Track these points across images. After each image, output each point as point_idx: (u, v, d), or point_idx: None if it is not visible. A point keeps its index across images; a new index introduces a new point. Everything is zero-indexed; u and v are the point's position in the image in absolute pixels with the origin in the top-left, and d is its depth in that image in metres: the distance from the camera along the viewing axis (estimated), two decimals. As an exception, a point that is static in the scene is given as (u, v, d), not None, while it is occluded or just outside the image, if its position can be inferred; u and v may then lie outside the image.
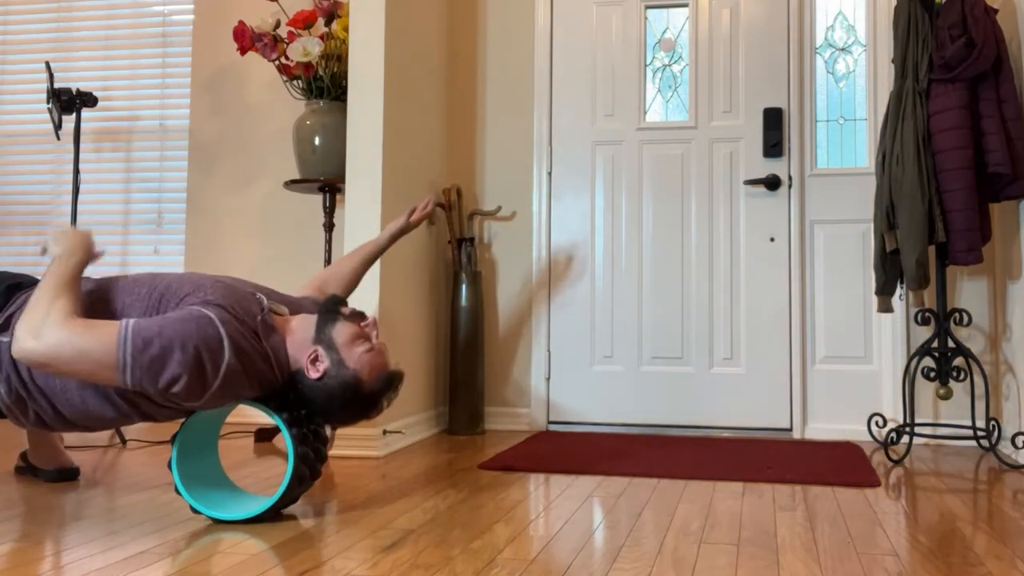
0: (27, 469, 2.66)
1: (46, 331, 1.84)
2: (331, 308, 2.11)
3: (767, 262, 3.72)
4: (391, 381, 2.10)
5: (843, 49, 3.76)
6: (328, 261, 3.69)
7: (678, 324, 3.78)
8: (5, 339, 2.01)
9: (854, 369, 3.64)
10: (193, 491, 2.09)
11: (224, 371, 1.92)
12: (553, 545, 1.90)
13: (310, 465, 2.11)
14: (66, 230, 2.07)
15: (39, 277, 2.48)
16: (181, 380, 1.88)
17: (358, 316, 2.11)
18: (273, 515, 2.11)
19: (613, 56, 3.91)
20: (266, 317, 2.08)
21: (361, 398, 2.07)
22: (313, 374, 2.05)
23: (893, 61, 3.22)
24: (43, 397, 2.02)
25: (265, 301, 2.14)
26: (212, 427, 2.24)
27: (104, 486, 2.52)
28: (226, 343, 1.92)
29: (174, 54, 4.33)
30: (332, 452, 3.09)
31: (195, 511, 2.07)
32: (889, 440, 3.11)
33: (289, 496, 2.09)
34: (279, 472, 2.76)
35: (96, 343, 1.85)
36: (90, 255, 2.07)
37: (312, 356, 2.06)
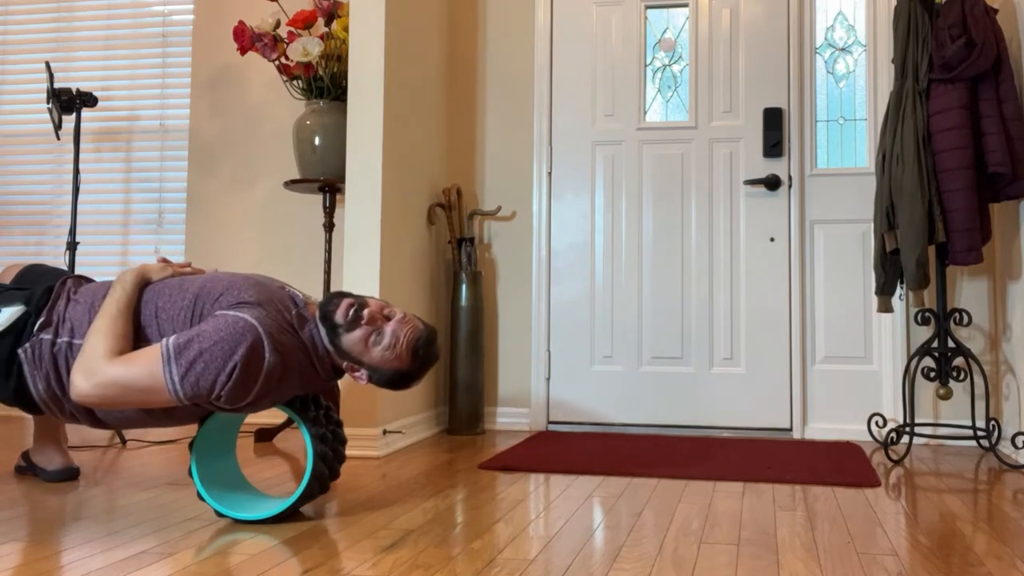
0: (28, 468, 2.66)
1: (94, 373, 1.89)
2: (329, 325, 2.07)
3: (767, 262, 3.72)
4: (426, 355, 2.11)
5: (843, 49, 3.76)
6: (328, 261, 3.69)
7: (678, 324, 3.78)
8: (47, 336, 2.03)
9: (854, 369, 3.64)
10: (212, 492, 2.09)
11: (267, 370, 1.93)
12: (553, 545, 1.90)
13: (329, 464, 2.11)
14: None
15: (70, 272, 2.50)
16: (228, 387, 1.90)
17: (357, 317, 2.06)
18: (291, 514, 2.10)
19: (613, 56, 3.91)
20: (302, 310, 2.10)
21: (410, 375, 2.13)
22: (361, 381, 2.12)
23: (893, 61, 3.22)
24: None
25: (299, 294, 2.15)
26: (230, 429, 2.23)
27: (104, 486, 2.52)
28: (266, 343, 1.93)
29: (174, 54, 4.33)
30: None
31: (219, 514, 2.08)
32: (889, 440, 3.11)
33: (308, 495, 2.09)
34: (280, 472, 2.76)
35: (142, 373, 1.89)
36: (141, 274, 2.09)
37: (349, 369, 2.11)
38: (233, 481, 2.20)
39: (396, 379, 2.12)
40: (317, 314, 2.09)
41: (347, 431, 3.10)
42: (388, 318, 2.09)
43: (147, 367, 1.90)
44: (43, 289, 2.14)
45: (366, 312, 2.06)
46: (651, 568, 1.72)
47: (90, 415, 2.07)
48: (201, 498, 2.07)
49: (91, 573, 1.65)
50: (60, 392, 2.04)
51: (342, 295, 2.11)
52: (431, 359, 2.13)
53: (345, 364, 2.10)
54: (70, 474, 2.59)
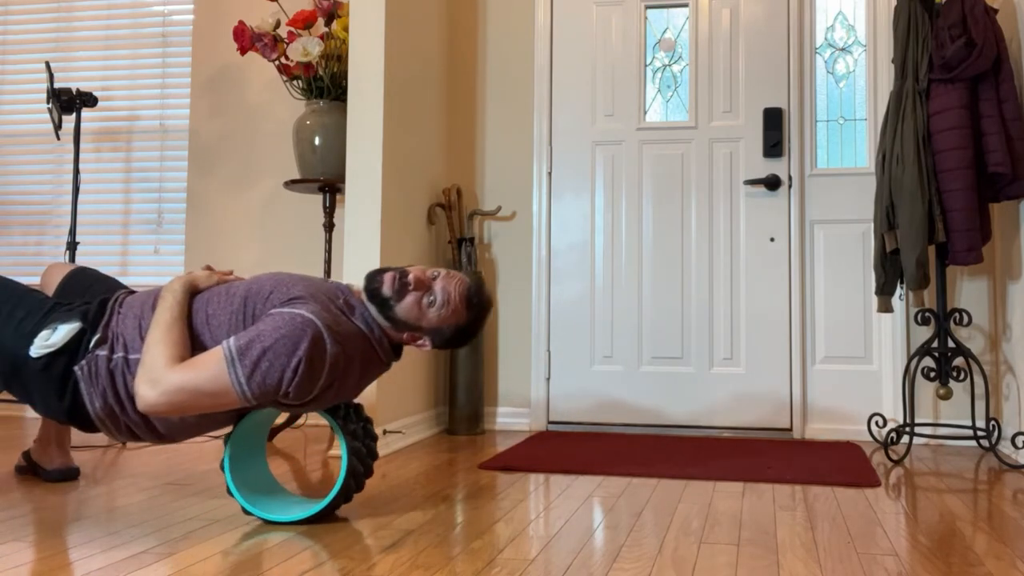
0: (28, 468, 2.66)
1: (159, 381, 1.89)
2: (379, 301, 2.08)
3: (767, 262, 3.72)
4: (480, 302, 2.13)
5: (843, 49, 3.76)
6: (328, 261, 3.69)
7: (678, 324, 3.78)
8: (103, 353, 2.01)
9: (854, 369, 3.64)
10: (243, 493, 2.08)
11: (330, 362, 1.94)
12: (553, 545, 1.90)
13: (362, 461, 2.12)
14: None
15: (118, 280, 2.49)
16: (295, 383, 1.90)
17: (403, 285, 2.07)
18: (327, 515, 2.09)
19: (613, 56, 3.91)
20: (348, 298, 2.11)
21: (471, 326, 2.15)
22: (426, 347, 2.14)
23: (893, 61, 3.22)
24: (136, 412, 2.02)
25: (342, 283, 2.16)
26: (260, 431, 2.23)
27: (104, 486, 2.52)
28: (326, 335, 1.94)
29: (174, 54, 4.32)
30: (332, 452, 3.09)
31: (247, 512, 2.08)
32: (889, 440, 3.11)
33: (345, 494, 2.08)
34: (282, 472, 2.76)
35: (207, 377, 1.89)
36: (189, 282, 2.08)
37: (410, 339, 2.12)
38: (263, 482, 2.20)
39: (458, 335, 2.13)
40: (364, 296, 2.11)
41: (347, 431, 3.10)
42: (434, 278, 2.10)
43: (212, 371, 1.89)
44: (97, 304, 2.12)
45: (411, 278, 2.07)
46: (651, 568, 1.72)
47: (150, 428, 2.05)
48: (231, 494, 2.07)
49: (91, 573, 1.65)
50: (118, 408, 2.02)
51: (382, 270, 2.12)
52: (486, 305, 2.15)
53: (405, 336, 2.11)
54: (70, 474, 2.59)
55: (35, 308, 2.07)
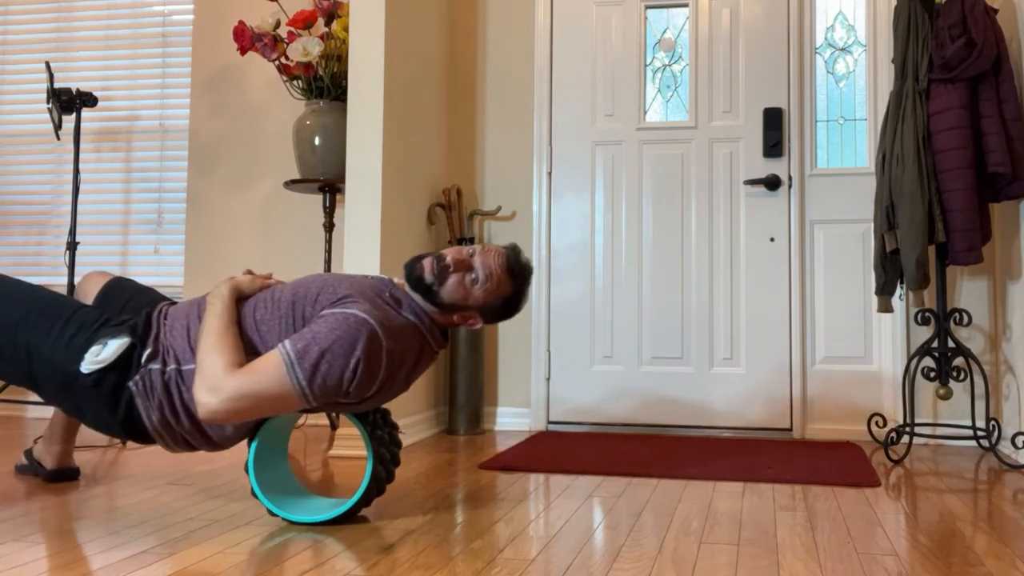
0: (28, 468, 2.66)
1: (220, 388, 1.88)
2: (424, 289, 2.08)
3: (767, 262, 3.72)
4: (521, 270, 2.14)
5: (843, 49, 3.76)
6: (328, 261, 3.69)
7: (678, 324, 3.78)
8: (156, 367, 2.01)
9: (854, 369, 3.64)
10: (267, 493, 2.08)
11: (387, 358, 1.95)
12: (553, 545, 1.90)
13: (386, 467, 2.13)
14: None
15: (156, 291, 2.48)
16: (355, 381, 1.91)
17: (443, 268, 2.08)
18: (350, 517, 2.09)
19: (613, 56, 3.91)
20: (393, 292, 2.11)
21: (517, 295, 2.16)
22: (478, 325, 2.15)
23: (893, 61, 3.22)
24: (191, 422, 2.02)
25: (384, 278, 2.17)
26: (283, 432, 2.23)
27: (104, 486, 2.52)
28: (380, 332, 1.94)
29: (174, 54, 4.33)
30: (332, 452, 3.09)
31: (272, 514, 2.08)
32: (889, 440, 3.11)
33: (367, 498, 2.09)
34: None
35: (268, 382, 1.89)
36: (235, 287, 2.08)
37: (461, 319, 2.13)
38: (286, 482, 2.20)
39: (506, 306, 2.14)
40: (407, 287, 2.12)
41: (346, 431, 3.10)
42: (471, 255, 2.11)
43: (272, 375, 1.89)
44: (144, 318, 2.11)
45: (450, 259, 2.08)
46: (651, 568, 1.72)
47: (204, 437, 2.05)
48: (255, 495, 2.07)
49: (91, 573, 1.65)
50: (174, 420, 2.01)
51: (419, 257, 2.12)
52: (527, 271, 2.16)
53: (456, 317, 2.12)
54: (70, 474, 2.59)
55: (85, 324, 2.06)
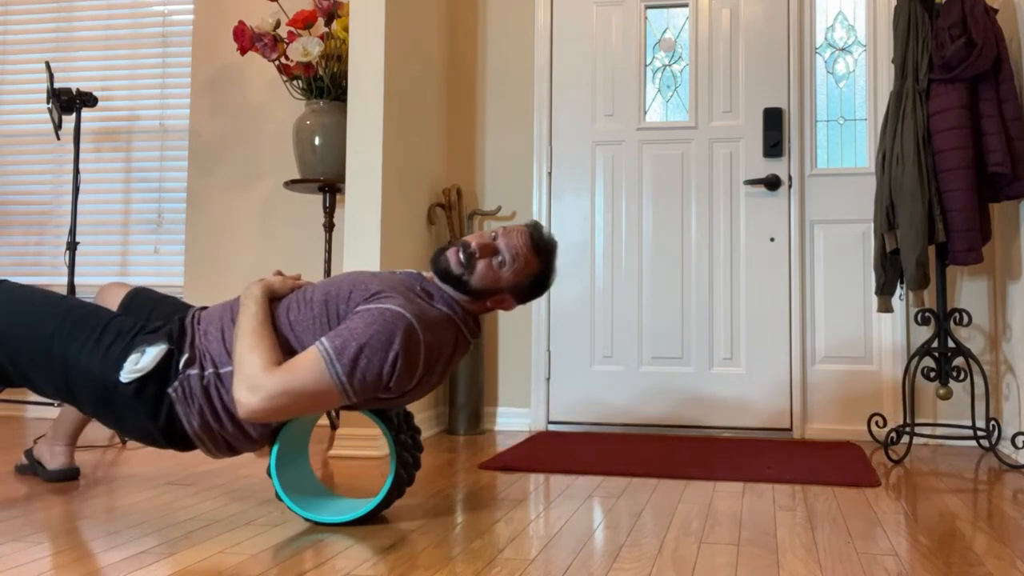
0: (28, 468, 2.66)
1: (260, 387, 1.88)
2: (453, 280, 2.08)
3: (767, 262, 3.72)
4: (546, 246, 2.14)
5: (843, 49, 3.76)
6: (328, 261, 3.69)
7: (678, 324, 3.78)
8: (194, 372, 2.01)
9: (854, 369, 3.64)
10: (289, 495, 2.08)
11: (424, 351, 1.96)
12: (553, 545, 1.90)
13: (407, 470, 2.13)
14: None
15: (179, 299, 2.46)
16: (394, 376, 1.92)
17: (469, 256, 2.07)
18: (372, 518, 2.10)
19: (613, 56, 3.91)
20: (424, 285, 2.11)
21: (546, 272, 2.16)
22: (512, 307, 2.17)
23: (893, 61, 3.22)
24: (234, 424, 2.02)
25: (413, 272, 2.17)
26: (303, 434, 2.23)
27: (104, 486, 2.52)
28: (417, 326, 1.94)
29: (174, 54, 4.32)
30: (332, 452, 3.09)
31: (298, 515, 2.08)
32: (889, 440, 3.11)
33: (389, 500, 2.09)
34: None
35: (308, 379, 1.88)
36: (267, 287, 2.08)
37: (494, 304, 2.14)
38: (307, 482, 2.20)
39: (537, 283, 2.15)
40: (436, 280, 2.12)
41: (346, 431, 3.10)
42: (494, 239, 2.11)
43: (312, 372, 1.89)
44: (178, 324, 2.11)
45: (475, 246, 2.08)
46: (651, 568, 1.72)
47: (246, 437, 2.05)
48: (278, 497, 2.07)
49: (91, 573, 1.65)
50: (216, 424, 2.01)
51: (443, 249, 2.13)
52: (552, 246, 2.16)
53: (489, 303, 2.12)
54: (70, 474, 2.59)
55: (122, 333, 2.06)
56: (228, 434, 2.03)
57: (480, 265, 2.07)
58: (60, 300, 2.12)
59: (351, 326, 1.92)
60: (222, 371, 2.01)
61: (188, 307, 2.33)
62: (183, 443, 2.06)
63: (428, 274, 2.18)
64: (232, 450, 2.08)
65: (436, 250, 2.16)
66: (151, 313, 2.31)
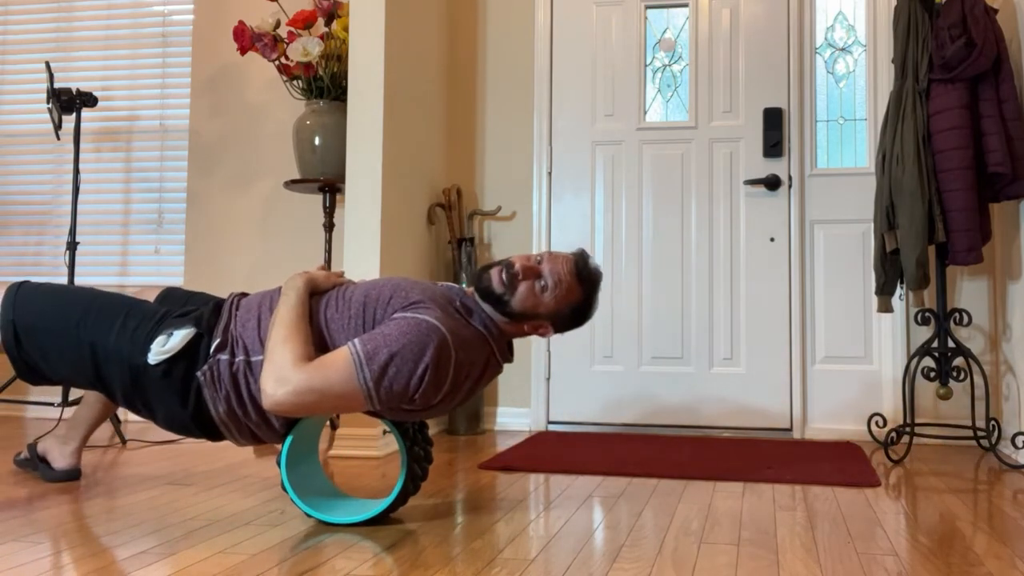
0: (29, 462, 2.64)
1: (288, 380, 1.87)
2: (495, 299, 2.06)
3: (767, 262, 3.72)
4: (591, 275, 2.11)
5: (843, 49, 3.76)
6: (328, 261, 3.69)
7: (678, 324, 3.78)
8: (224, 357, 2.00)
9: (854, 369, 3.64)
10: (301, 495, 2.08)
11: (454, 367, 1.94)
12: (553, 545, 1.90)
13: (420, 465, 2.13)
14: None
15: (211, 294, 2.45)
16: (421, 389, 1.90)
17: (512, 277, 2.05)
18: (384, 518, 2.09)
19: (613, 56, 3.91)
20: (464, 300, 2.09)
21: (588, 302, 2.13)
22: (549, 334, 2.13)
23: (893, 61, 3.22)
24: (258, 413, 2.02)
25: (454, 286, 2.15)
26: (314, 434, 2.23)
27: (104, 486, 2.52)
28: (451, 341, 1.92)
29: (174, 54, 4.32)
30: (332, 452, 3.09)
31: (308, 516, 2.08)
32: (889, 440, 3.11)
33: (403, 498, 2.09)
34: (278, 472, 2.75)
35: (336, 380, 1.87)
36: (310, 280, 2.07)
37: (532, 328, 2.11)
38: (316, 481, 2.20)
39: (576, 313, 2.12)
40: (477, 297, 2.09)
41: (345, 431, 3.10)
42: (539, 263, 2.08)
43: (341, 373, 1.87)
44: (211, 309, 2.10)
45: (518, 267, 2.05)
46: (651, 568, 1.72)
47: (270, 428, 2.04)
48: (290, 497, 2.06)
49: (91, 573, 1.65)
50: (241, 411, 2.01)
51: (487, 267, 2.10)
52: (597, 277, 2.13)
53: (526, 327, 2.10)
54: (73, 475, 2.58)
55: (147, 316, 2.06)
56: (252, 423, 2.03)
57: (522, 287, 2.04)
58: (82, 291, 2.13)
59: (385, 332, 1.91)
60: (253, 359, 2.00)
61: (217, 297, 2.33)
62: (210, 430, 2.06)
63: (469, 289, 2.15)
64: (256, 439, 2.08)
65: (480, 267, 2.13)
66: (185, 303, 2.31)
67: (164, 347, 1.99)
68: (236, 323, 2.06)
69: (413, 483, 2.12)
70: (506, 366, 3.88)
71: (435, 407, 1.99)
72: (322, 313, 2.04)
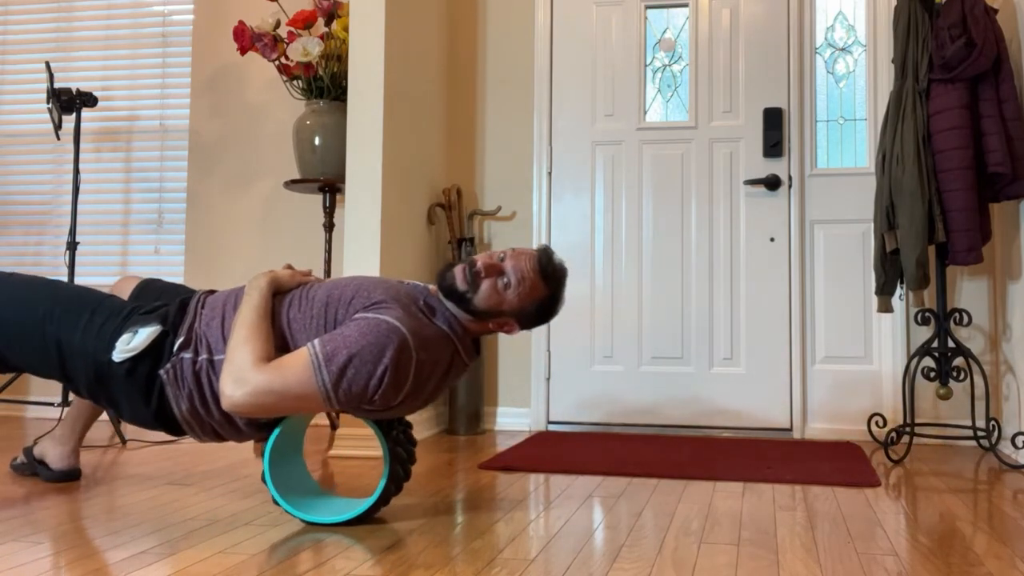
0: (27, 467, 2.65)
1: (246, 381, 1.87)
2: (457, 297, 2.05)
3: (767, 262, 3.72)
4: (555, 271, 2.09)
5: (843, 49, 3.76)
6: (328, 261, 3.69)
7: (678, 324, 3.78)
8: (187, 356, 2.00)
9: (854, 369, 3.64)
10: (283, 495, 2.08)
11: (415, 368, 1.93)
12: (553, 545, 1.90)
13: (403, 465, 2.13)
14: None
15: (187, 287, 2.45)
16: (380, 390, 1.89)
17: (475, 275, 2.04)
18: (368, 518, 2.09)
19: (613, 56, 3.91)
20: (428, 299, 2.08)
21: (553, 298, 2.11)
22: (515, 332, 2.13)
23: (893, 61, 3.22)
24: (221, 412, 2.02)
25: (419, 284, 2.15)
26: (298, 433, 2.23)
27: (104, 486, 2.52)
28: (411, 342, 1.92)
29: (174, 54, 4.32)
30: (332, 452, 3.09)
31: (294, 517, 2.08)
32: (889, 440, 3.11)
33: (385, 498, 2.09)
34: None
35: (294, 381, 1.87)
36: (273, 280, 2.06)
37: (496, 326, 2.10)
38: (301, 481, 2.20)
39: (542, 309, 2.10)
40: (440, 295, 2.08)
41: (345, 431, 3.10)
42: (502, 260, 2.07)
43: (299, 374, 1.87)
44: (177, 306, 2.10)
45: (480, 265, 2.04)
46: (651, 568, 1.72)
47: (233, 427, 2.04)
48: (274, 500, 2.06)
49: (91, 573, 1.65)
50: (203, 410, 2.01)
51: (450, 265, 2.09)
52: (562, 273, 2.12)
53: (491, 324, 2.09)
54: (72, 475, 2.58)
55: (114, 313, 2.06)
56: (215, 421, 2.03)
57: (485, 285, 2.03)
58: (51, 283, 2.13)
59: (345, 333, 1.91)
60: (215, 358, 2.00)
61: (194, 292, 2.33)
62: (173, 427, 2.06)
63: (434, 288, 2.15)
64: (219, 437, 2.08)
65: (444, 265, 2.13)
66: (158, 298, 2.31)
67: (129, 345, 1.99)
68: (201, 321, 2.06)
69: (402, 467, 2.12)
70: (506, 366, 3.88)
71: (397, 407, 1.99)
72: (285, 313, 2.03)
